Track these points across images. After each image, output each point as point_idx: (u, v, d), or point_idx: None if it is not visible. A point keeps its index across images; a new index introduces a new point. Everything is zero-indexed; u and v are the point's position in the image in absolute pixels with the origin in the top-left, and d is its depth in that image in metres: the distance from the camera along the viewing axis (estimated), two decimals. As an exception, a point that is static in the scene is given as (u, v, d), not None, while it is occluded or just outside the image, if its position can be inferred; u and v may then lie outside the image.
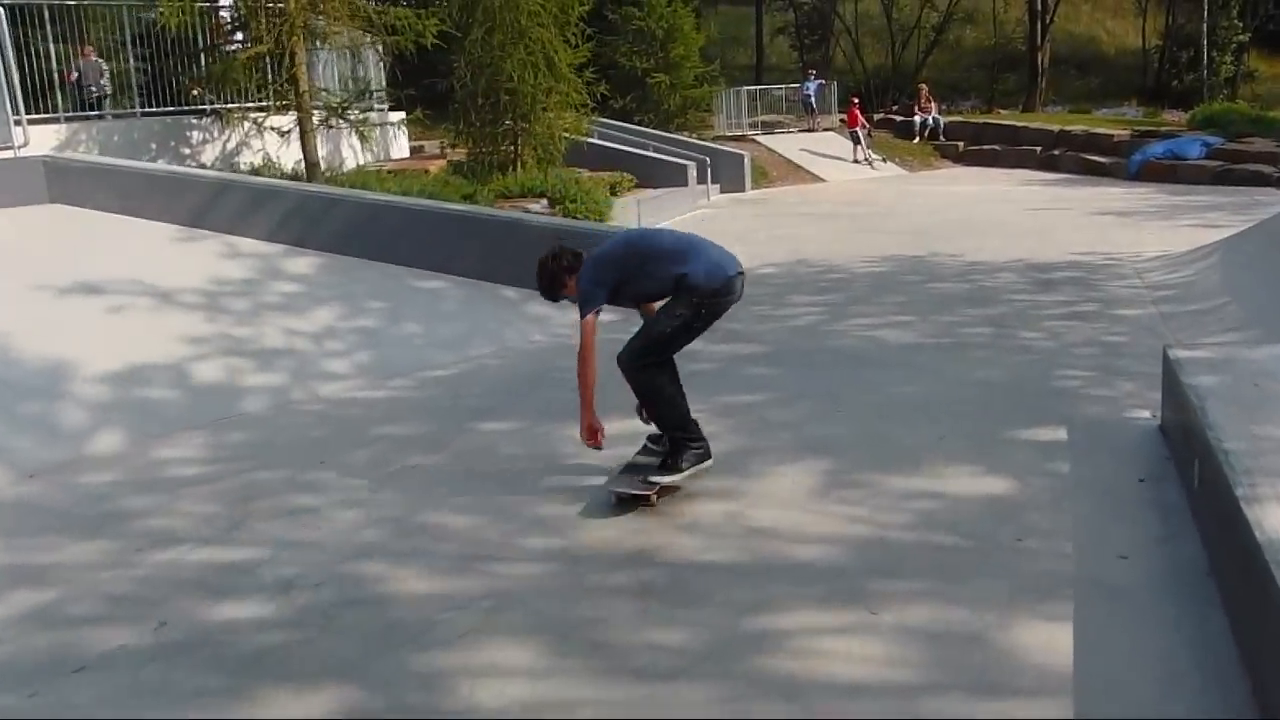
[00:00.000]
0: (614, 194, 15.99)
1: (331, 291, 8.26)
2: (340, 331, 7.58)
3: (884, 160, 22.90)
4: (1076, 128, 22.50)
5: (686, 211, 17.05)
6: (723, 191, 20.47)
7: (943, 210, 15.77)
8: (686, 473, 4.32)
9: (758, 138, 24.20)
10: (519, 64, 12.04)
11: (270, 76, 10.75)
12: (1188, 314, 7.60)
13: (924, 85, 25.95)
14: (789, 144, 23.87)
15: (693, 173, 17.71)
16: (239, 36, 11.21)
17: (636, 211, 12.69)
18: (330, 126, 11.22)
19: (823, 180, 21.92)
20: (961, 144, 23.73)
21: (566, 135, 14.65)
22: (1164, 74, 38.42)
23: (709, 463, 4.40)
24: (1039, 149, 22.34)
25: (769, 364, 6.75)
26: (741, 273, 4.32)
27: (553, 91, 12.52)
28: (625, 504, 4.26)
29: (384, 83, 13.33)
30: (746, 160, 20.80)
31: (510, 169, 12.77)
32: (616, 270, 4.29)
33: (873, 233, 13.33)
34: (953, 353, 6.81)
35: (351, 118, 11.04)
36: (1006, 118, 26.22)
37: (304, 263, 8.70)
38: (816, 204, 17.86)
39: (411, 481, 4.84)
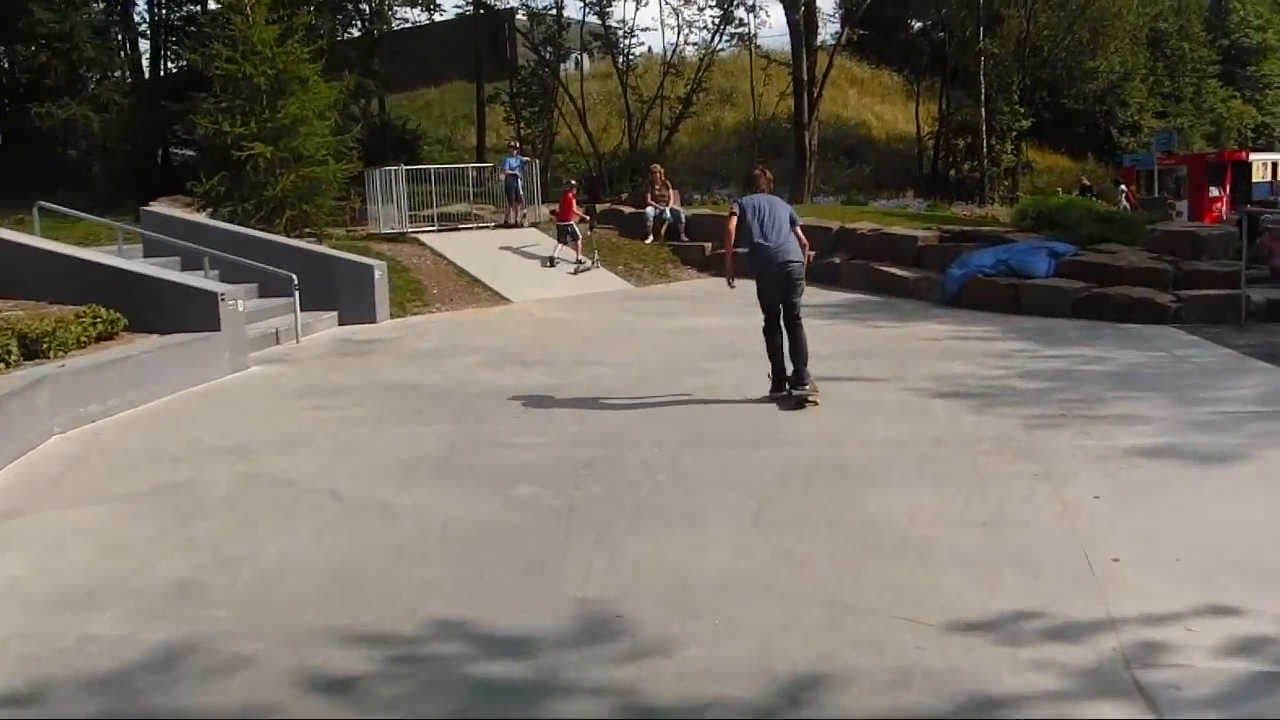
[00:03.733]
0: (39, 355, 7.81)
1: None
2: None
3: (585, 263, 16.00)
4: (862, 225, 16.21)
5: (213, 376, 9.07)
6: (342, 322, 12.68)
7: (650, 381, 8.56)
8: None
9: (428, 238, 16.63)
10: None
11: None
12: None
13: (658, 168, 19.09)
14: (475, 246, 16.44)
15: (235, 307, 9.79)
16: None
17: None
18: None
19: (507, 301, 14.53)
20: (709, 246, 16.84)
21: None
22: (940, 163, 34.54)
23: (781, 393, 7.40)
24: (813, 255, 15.88)
25: None
26: (784, 263, 7.58)
27: None
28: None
29: None
30: (378, 276, 13.10)
31: None
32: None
33: (484, 474, 5.82)
34: None
35: None
36: (770, 211, 19.95)
37: None
38: (456, 357, 10.29)
39: None
